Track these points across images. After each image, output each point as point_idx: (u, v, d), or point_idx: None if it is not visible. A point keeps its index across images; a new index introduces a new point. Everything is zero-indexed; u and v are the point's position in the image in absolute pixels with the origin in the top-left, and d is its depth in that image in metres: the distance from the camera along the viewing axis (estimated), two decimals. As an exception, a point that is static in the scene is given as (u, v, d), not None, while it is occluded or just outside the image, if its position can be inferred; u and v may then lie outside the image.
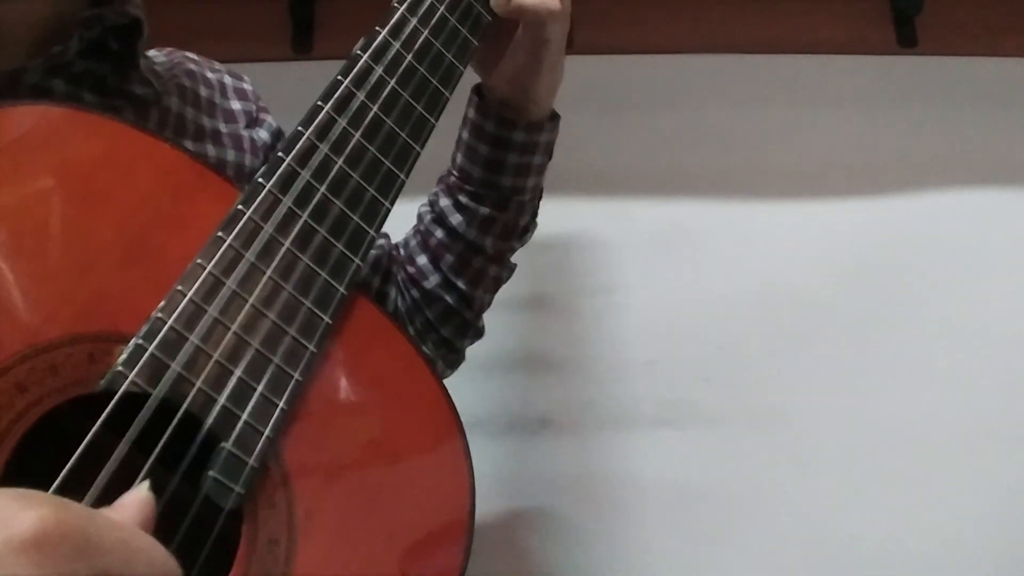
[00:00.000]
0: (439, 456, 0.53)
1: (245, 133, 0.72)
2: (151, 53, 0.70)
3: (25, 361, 0.42)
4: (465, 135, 0.73)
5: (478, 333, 0.80)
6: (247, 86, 0.76)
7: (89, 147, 0.47)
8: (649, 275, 1.11)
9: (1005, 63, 1.18)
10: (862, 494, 1.06)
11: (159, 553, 0.34)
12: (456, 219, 0.74)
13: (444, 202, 0.75)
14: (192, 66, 0.72)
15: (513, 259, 0.80)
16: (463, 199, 0.74)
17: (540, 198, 0.79)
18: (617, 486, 1.06)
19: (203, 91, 0.70)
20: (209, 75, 0.73)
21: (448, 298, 0.75)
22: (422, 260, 0.76)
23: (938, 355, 1.10)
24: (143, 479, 0.42)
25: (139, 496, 0.37)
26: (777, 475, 1.06)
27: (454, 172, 0.75)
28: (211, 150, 0.68)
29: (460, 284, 0.75)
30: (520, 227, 0.76)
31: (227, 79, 0.74)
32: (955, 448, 1.07)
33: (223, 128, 0.70)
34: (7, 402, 0.41)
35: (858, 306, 1.11)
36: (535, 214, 0.79)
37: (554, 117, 0.74)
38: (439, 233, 0.75)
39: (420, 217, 0.78)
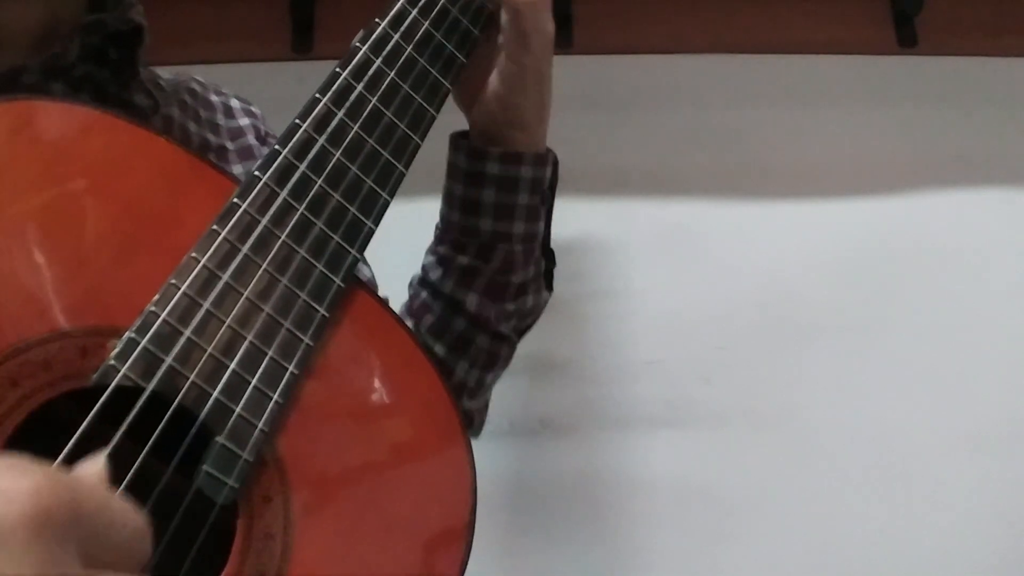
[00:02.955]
0: (440, 452, 0.52)
1: (255, 143, 0.70)
2: (160, 71, 0.69)
3: (17, 355, 0.42)
4: (445, 182, 0.67)
5: (466, 417, 0.66)
6: (256, 110, 0.73)
7: (84, 141, 0.47)
8: (649, 275, 1.11)
9: (1005, 63, 1.18)
10: (862, 494, 1.06)
11: (133, 514, 0.34)
12: (436, 273, 0.67)
13: (427, 259, 0.69)
14: (196, 86, 0.70)
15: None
16: (442, 249, 0.67)
17: (549, 259, 0.70)
18: (617, 486, 1.05)
19: (203, 112, 0.69)
20: (213, 98, 0.71)
21: None
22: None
23: (938, 355, 1.10)
24: (135, 473, 0.42)
25: (94, 465, 0.36)
26: (777, 475, 1.06)
27: (438, 224, 0.69)
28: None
29: (439, 349, 0.66)
30: (513, 285, 0.66)
31: (234, 102, 0.72)
32: (955, 448, 1.07)
33: (230, 145, 0.68)
34: (-1, 396, 0.41)
35: (858, 306, 1.11)
36: (541, 277, 0.69)
37: (544, 156, 0.67)
38: (423, 294, 0.68)
39: (410, 283, 0.71)
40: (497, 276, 0.66)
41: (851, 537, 1.05)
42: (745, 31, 1.17)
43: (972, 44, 1.18)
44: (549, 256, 0.71)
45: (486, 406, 0.72)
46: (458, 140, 0.67)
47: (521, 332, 0.70)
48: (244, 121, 0.71)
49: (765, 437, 1.07)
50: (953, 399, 1.08)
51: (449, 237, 0.67)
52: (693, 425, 1.07)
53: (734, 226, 1.13)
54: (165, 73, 0.70)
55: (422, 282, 0.68)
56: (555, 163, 0.68)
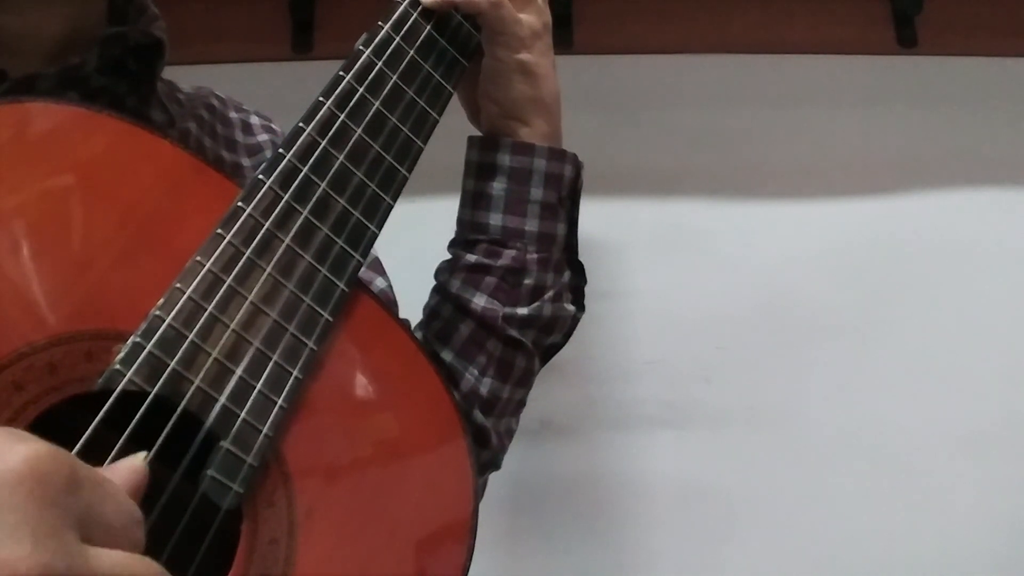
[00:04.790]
0: (442, 454, 0.52)
1: None
2: (184, 87, 0.69)
3: (22, 359, 0.42)
4: (462, 182, 0.67)
5: (481, 436, 0.63)
6: (276, 127, 0.73)
7: (89, 144, 0.47)
8: (649, 275, 1.11)
9: (1005, 63, 1.17)
10: (862, 494, 1.06)
11: (127, 500, 0.35)
12: (444, 275, 0.65)
13: (440, 265, 0.67)
14: (215, 102, 0.70)
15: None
16: (452, 251, 0.66)
17: (578, 274, 0.67)
18: (617, 486, 1.05)
19: (221, 129, 0.68)
20: (232, 114, 0.70)
21: None
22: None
23: (938, 355, 1.10)
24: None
25: (132, 463, 0.38)
26: (777, 475, 1.06)
27: (456, 229, 0.67)
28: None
29: (446, 355, 0.62)
30: (524, 287, 0.63)
31: (254, 119, 0.71)
32: (955, 448, 1.07)
33: (246, 162, 0.68)
34: (4, 401, 0.41)
35: (858, 306, 1.11)
36: (564, 288, 0.65)
37: (561, 152, 0.65)
38: (433, 299, 0.66)
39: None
40: (507, 276, 0.63)
41: (851, 536, 1.05)
42: (745, 31, 1.16)
43: (972, 44, 1.17)
44: (578, 270, 0.68)
45: (509, 433, 0.67)
46: (472, 138, 0.67)
47: (545, 350, 0.66)
48: (263, 137, 0.70)
49: (765, 437, 1.07)
50: (953, 399, 1.08)
51: (461, 237, 0.66)
52: (693, 425, 1.07)
53: (734, 226, 1.13)
54: (185, 86, 0.69)
55: (433, 289, 0.66)
56: (578, 166, 0.67)
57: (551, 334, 0.66)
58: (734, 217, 1.13)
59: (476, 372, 0.62)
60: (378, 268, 0.69)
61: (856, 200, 1.14)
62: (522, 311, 0.63)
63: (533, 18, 0.63)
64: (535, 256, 0.63)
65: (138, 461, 0.37)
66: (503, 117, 0.65)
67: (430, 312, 0.66)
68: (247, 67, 1.11)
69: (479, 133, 0.68)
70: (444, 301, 0.65)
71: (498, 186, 0.64)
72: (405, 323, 0.67)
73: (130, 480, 0.36)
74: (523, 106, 0.64)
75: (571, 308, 0.67)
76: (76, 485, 0.32)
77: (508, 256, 0.63)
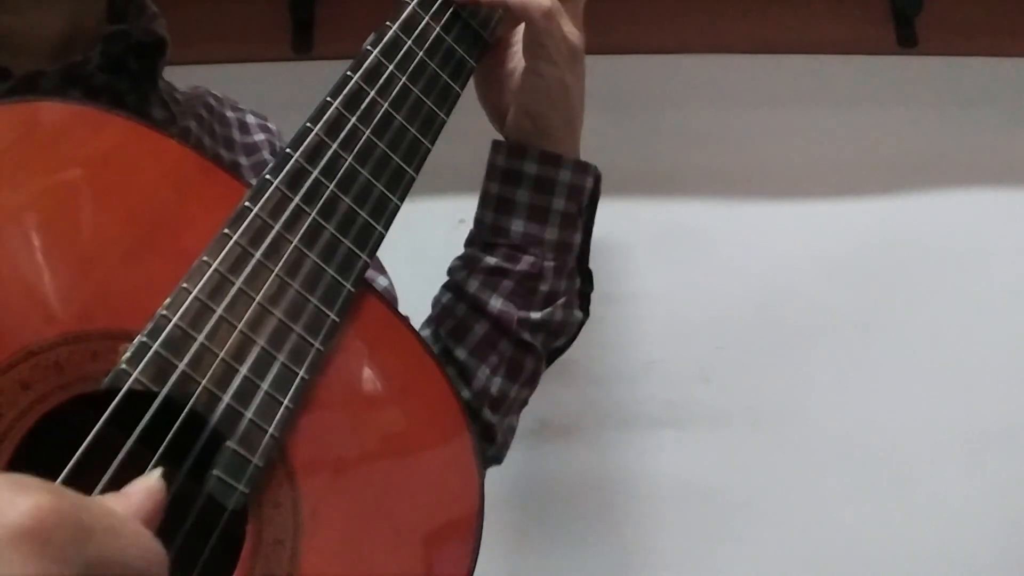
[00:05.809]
0: (447, 454, 0.52)
1: (271, 159, 0.68)
2: (180, 87, 0.69)
3: (29, 358, 0.42)
4: (483, 184, 0.67)
5: (488, 433, 0.65)
6: (272, 126, 0.73)
7: (95, 143, 0.47)
8: (649, 275, 1.11)
9: (1005, 63, 1.18)
10: (862, 494, 1.06)
11: (147, 541, 0.34)
12: (461, 274, 0.66)
13: (454, 263, 0.67)
14: (212, 101, 0.70)
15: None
16: (470, 251, 0.66)
17: (586, 281, 0.68)
18: (617, 486, 1.06)
19: (219, 128, 0.68)
20: (229, 114, 0.70)
21: None
22: (424, 333, 0.66)
23: (938, 355, 1.10)
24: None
25: (148, 484, 0.36)
26: (777, 475, 1.06)
27: (472, 228, 0.68)
28: None
29: (460, 353, 0.64)
30: (540, 293, 0.64)
31: (249, 118, 0.72)
32: (955, 448, 1.08)
33: (244, 161, 0.68)
34: (10, 400, 0.41)
35: (858, 306, 1.11)
36: (575, 295, 0.67)
37: (585, 164, 0.66)
38: (446, 297, 0.67)
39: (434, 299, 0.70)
40: (524, 281, 0.64)
41: (851, 536, 1.05)
42: (745, 31, 1.16)
43: (972, 44, 1.18)
44: (587, 277, 0.69)
45: (511, 430, 0.69)
46: (499, 142, 0.67)
47: (551, 352, 0.68)
48: (259, 137, 0.70)
49: (765, 437, 1.07)
50: (953, 399, 1.08)
51: (480, 239, 0.66)
52: (693, 425, 1.08)
53: (734, 226, 1.13)
54: (181, 85, 0.69)
55: (446, 286, 0.67)
56: (598, 177, 0.67)
57: (558, 338, 0.67)
58: (734, 217, 1.13)
59: (488, 371, 0.64)
60: (379, 267, 0.70)
61: (856, 200, 1.14)
62: (535, 315, 0.64)
63: (575, 35, 0.63)
64: (552, 264, 0.65)
65: (153, 481, 0.36)
66: (536, 133, 0.65)
67: (442, 309, 0.67)
68: (247, 67, 1.11)
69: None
70: (459, 300, 0.65)
71: (522, 193, 0.65)
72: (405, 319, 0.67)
73: (146, 506, 0.35)
74: (558, 123, 0.64)
75: (579, 314, 0.68)
76: (84, 535, 0.31)
77: (526, 262, 0.64)
